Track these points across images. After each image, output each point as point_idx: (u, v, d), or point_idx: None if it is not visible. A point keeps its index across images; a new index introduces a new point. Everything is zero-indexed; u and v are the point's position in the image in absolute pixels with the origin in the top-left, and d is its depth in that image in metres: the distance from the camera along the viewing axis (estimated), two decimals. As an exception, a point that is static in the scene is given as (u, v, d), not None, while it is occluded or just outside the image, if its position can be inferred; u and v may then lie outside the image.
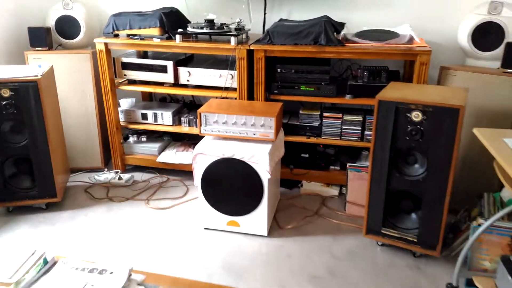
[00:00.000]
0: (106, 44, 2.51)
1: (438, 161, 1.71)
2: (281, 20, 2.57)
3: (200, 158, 2.01)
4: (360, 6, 2.60)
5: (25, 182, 2.26)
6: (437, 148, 1.70)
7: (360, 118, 2.40)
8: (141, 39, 2.44)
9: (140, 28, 2.46)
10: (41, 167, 2.22)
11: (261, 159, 1.93)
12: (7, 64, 2.61)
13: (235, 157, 1.96)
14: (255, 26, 2.72)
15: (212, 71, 2.48)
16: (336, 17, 2.57)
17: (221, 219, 2.10)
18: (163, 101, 3.00)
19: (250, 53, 2.33)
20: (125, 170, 2.82)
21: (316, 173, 2.54)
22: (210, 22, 2.42)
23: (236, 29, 2.45)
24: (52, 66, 2.37)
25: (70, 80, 2.63)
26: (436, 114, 1.67)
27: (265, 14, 2.69)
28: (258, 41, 2.37)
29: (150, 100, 3.04)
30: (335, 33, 2.31)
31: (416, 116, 1.70)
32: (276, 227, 2.17)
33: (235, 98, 2.43)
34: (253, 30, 2.71)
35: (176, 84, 2.57)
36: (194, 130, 2.60)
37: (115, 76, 2.65)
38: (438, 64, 2.43)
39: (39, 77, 2.09)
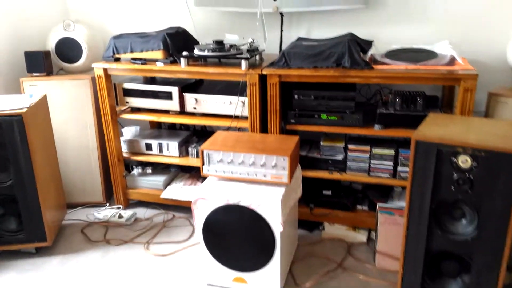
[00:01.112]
0: (105, 70, 2.28)
1: (492, 218, 1.35)
2: (299, 39, 2.27)
3: (201, 203, 1.71)
4: (389, 20, 2.27)
5: (12, 224, 2.04)
6: (492, 202, 1.34)
7: (391, 151, 2.05)
8: (142, 63, 2.20)
9: (142, 51, 2.22)
10: (28, 209, 1.99)
11: (272, 208, 1.62)
12: (4, 93, 2.42)
13: (241, 204, 1.66)
14: (271, 46, 2.43)
15: (221, 97, 2.20)
16: (362, 34, 2.25)
17: (226, 275, 1.79)
18: (172, 128, 2.74)
19: (263, 78, 2.03)
20: (128, 206, 2.57)
21: (341, 214, 2.19)
22: (219, 44, 2.15)
23: (248, 51, 2.17)
24: (45, 95, 2.15)
25: (69, 108, 2.41)
26: (490, 160, 1.31)
27: (281, 32, 2.40)
28: (272, 64, 2.07)
29: (159, 127, 2.79)
30: (361, 53, 1.98)
31: (464, 161, 1.35)
32: (291, 283, 1.84)
33: (246, 128, 2.14)
34: (268, 50, 2.42)
35: (182, 112, 2.31)
36: (201, 163, 2.32)
37: (117, 104, 2.42)
38: (484, 89, 2.06)
39: (25, 110, 1.87)
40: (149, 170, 2.58)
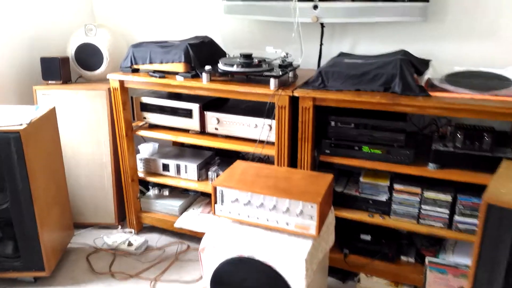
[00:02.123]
0: (121, 82, 2.06)
1: None
2: (341, 54, 1.95)
3: (209, 252, 1.43)
4: (450, 36, 1.89)
5: (8, 249, 1.85)
6: None
7: (448, 197, 1.68)
8: (160, 77, 1.95)
9: (162, 62, 1.98)
10: (25, 235, 1.79)
11: (294, 267, 1.31)
12: (17, 101, 2.26)
13: (256, 258, 1.36)
14: (309, 60, 2.11)
15: (245, 118, 1.91)
16: (417, 51, 1.89)
17: (236, 337, 1.49)
18: (195, 147, 2.49)
19: (295, 100, 1.73)
20: (141, 230, 2.33)
21: (381, 265, 1.84)
22: (246, 58, 1.86)
23: (280, 66, 1.87)
24: (53, 108, 1.95)
25: (83, 121, 2.21)
26: None
27: (321, 45, 2.08)
28: (306, 84, 1.76)
29: (181, 144, 2.54)
30: (415, 76, 1.63)
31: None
32: None
33: (272, 157, 1.84)
34: (305, 65, 2.11)
35: (203, 132, 2.04)
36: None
37: (133, 119, 2.19)
38: None
39: (24, 126, 1.67)
40: (166, 192, 2.34)
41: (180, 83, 1.90)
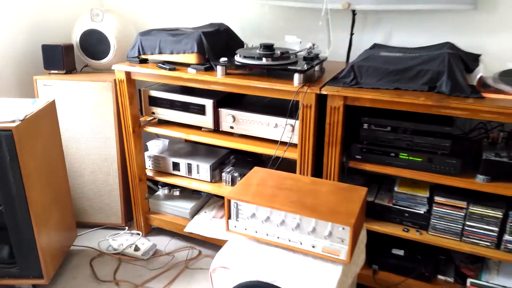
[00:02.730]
0: (127, 73, 1.86)
1: None
2: (375, 46, 1.71)
3: (222, 273, 1.24)
4: (504, 26, 1.64)
5: (3, 253, 1.69)
6: None
7: (498, 213, 1.45)
8: (170, 69, 1.75)
9: (172, 52, 1.77)
10: (21, 241, 1.63)
11: (320, 299, 1.11)
12: (16, 93, 2.09)
13: (277, 284, 1.16)
14: (337, 52, 1.88)
15: (265, 117, 1.70)
16: (464, 43, 1.64)
17: None
18: (209, 144, 2.29)
19: (322, 97, 1.51)
20: (149, 232, 2.17)
21: (415, 284, 1.63)
22: (267, 49, 1.65)
23: (305, 59, 1.65)
24: (53, 101, 1.77)
25: (87, 114, 2.03)
26: None
27: (351, 35, 1.84)
28: (336, 80, 1.54)
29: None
30: (465, 74, 1.40)
31: None
32: None
33: (294, 160, 1.63)
34: (333, 57, 1.87)
35: (217, 130, 1.84)
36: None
37: (141, 114, 2.00)
38: None
39: (17, 123, 1.49)
40: (176, 193, 2.15)
41: (192, 76, 1.70)
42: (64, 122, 2.03)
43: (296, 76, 1.51)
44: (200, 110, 1.83)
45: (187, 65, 1.76)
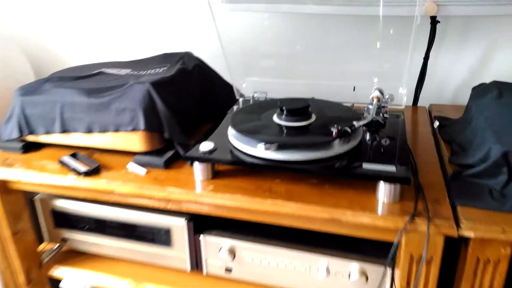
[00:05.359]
0: (1, 183, 0.90)
1: None
2: (493, 86, 0.89)
3: None
4: None
5: None
6: None
7: None
8: (86, 173, 0.81)
9: (91, 130, 0.84)
10: None
11: None
12: None
13: None
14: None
15: (303, 255, 0.82)
16: None
17: None
18: None
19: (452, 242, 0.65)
20: None
21: None
22: (298, 117, 0.77)
23: (376, 127, 0.79)
24: None
25: None
26: None
27: (426, 59, 1.02)
28: (466, 184, 0.69)
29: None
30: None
31: None
32: None
33: None
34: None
35: (197, 269, 0.93)
36: None
37: (40, 241, 1.04)
38: None
39: None
40: None
41: (135, 190, 0.77)
42: None
43: (384, 189, 0.65)
44: (161, 236, 0.91)
45: (128, 153, 0.84)
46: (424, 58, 1.03)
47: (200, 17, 1.19)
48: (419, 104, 1.10)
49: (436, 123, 0.95)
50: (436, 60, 1.06)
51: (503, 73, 1.04)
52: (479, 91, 0.89)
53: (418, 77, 1.04)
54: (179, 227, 0.88)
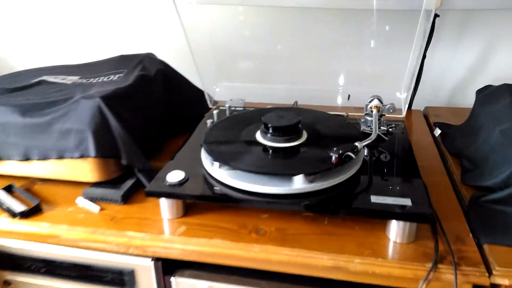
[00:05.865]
0: None
1: None
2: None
3: None
4: None
5: None
6: None
7: None
8: (22, 216, 0.65)
9: (29, 158, 0.67)
10: None
11: None
12: None
13: None
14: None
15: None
16: None
17: None
18: None
19: None
20: None
21: None
22: (282, 132, 0.63)
23: (374, 143, 0.67)
24: None
25: None
26: None
27: (424, 57, 0.90)
28: (485, 213, 0.58)
29: None
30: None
31: None
32: None
33: None
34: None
35: (169, 312, 0.79)
36: None
37: (-22, 287, 0.87)
38: None
39: None
40: None
41: (87, 236, 0.62)
42: None
43: (397, 227, 0.53)
44: (124, 279, 0.76)
45: (77, 184, 0.68)
46: (423, 55, 0.91)
47: (163, 12, 1.03)
48: (412, 107, 0.99)
49: (438, 131, 0.84)
50: (431, 58, 0.95)
51: (503, 72, 0.94)
52: (488, 95, 0.78)
53: (416, 78, 0.93)
54: (145, 267, 0.73)
